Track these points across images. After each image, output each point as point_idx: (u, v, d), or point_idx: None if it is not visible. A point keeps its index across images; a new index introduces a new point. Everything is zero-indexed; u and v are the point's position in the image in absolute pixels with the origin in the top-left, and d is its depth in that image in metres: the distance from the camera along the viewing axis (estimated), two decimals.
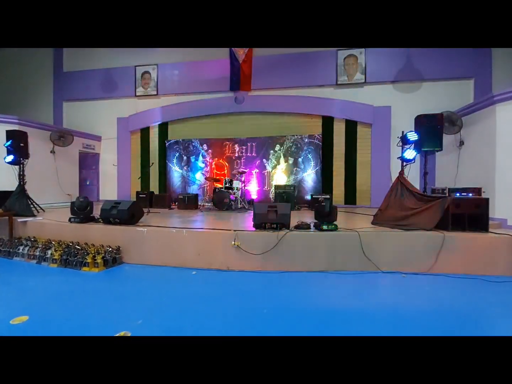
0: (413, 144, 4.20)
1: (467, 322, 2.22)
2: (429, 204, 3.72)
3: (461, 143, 5.94)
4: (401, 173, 4.21)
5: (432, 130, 4.15)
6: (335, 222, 3.69)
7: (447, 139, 5.55)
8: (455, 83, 7.13)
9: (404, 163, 4.23)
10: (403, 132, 4.31)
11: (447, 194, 3.69)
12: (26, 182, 5.21)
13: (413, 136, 4.09)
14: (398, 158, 4.35)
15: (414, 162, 4.18)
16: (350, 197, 7.61)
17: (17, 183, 5.09)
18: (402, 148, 4.28)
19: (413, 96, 7.34)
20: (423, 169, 4.41)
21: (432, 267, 3.37)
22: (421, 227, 3.60)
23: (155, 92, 8.73)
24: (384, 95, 7.45)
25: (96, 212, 4.35)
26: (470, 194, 3.77)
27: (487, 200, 3.56)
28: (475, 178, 5.61)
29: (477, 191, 3.98)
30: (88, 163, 9.09)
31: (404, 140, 4.21)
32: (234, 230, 3.57)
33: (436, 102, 6.96)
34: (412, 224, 3.67)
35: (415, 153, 4.11)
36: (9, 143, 4.86)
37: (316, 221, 3.80)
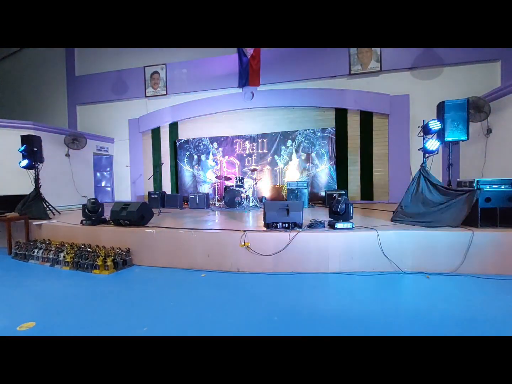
0: (435, 134, 3.88)
1: (502, 329, 1.97)
2: (455, 199, 3.42)
3: (489, 131, 5.50)
4: (423, 165, 3.90)
5: (457, 117, 3.80)
6: (351, 220, 3.47)
7: (472, 127, 5.13)
8: (480, 66, 6.61)
9: (426, 155, 3.92)
10: (424, 121, 3.99)
11: (475, 187, 3.37)
12: (41, 185, 5.31)
13: (435, 125, 3.77)
14: (419, 149, 4.04)
15: (437, 153, 3.86)
16: (367, 192, 7.30)
17: (33, 187, 5.20)
18: (424, 139, 3.96)
19: (434, 83, 6.88)
20: (447, 161, 4.07)
21: (460, 267, 3.09)
22: (446, 224, 3.32)
23: (164, 92, 8.72)
24: (401, 83, 7.05)
25: (107, 214, 4.35)
26: (502, 187, 3.42)
27: None
28: (506, 168, 5.17)
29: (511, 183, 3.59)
30: (102, 165, 9.25)
31: (426, 130, 3.89)
32: (244, 231, 3.43)
33: (459, 88, 6.49)
34: (437, 221, 3.39)
35: (439, 143, 3.79)
36: (23, 148, 4.95)
37: (331, 219, 3.59)
